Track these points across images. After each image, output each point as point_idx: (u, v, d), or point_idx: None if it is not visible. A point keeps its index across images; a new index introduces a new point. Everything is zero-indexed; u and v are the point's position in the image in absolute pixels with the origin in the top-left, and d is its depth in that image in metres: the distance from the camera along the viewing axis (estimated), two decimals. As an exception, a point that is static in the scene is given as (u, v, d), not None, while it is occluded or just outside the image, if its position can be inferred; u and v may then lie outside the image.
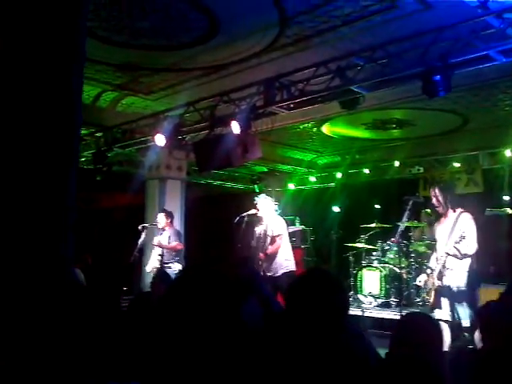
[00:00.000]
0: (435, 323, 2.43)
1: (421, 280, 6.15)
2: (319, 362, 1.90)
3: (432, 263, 5.96)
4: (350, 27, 5.47)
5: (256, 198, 7.51)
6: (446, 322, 5.46)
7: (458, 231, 5.50)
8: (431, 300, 5.85)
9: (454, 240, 5.48)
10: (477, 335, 2.61)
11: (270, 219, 7.33)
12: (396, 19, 5.19)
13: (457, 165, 10.11)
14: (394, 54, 5.26)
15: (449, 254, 5.55)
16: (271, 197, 7.84)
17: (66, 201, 1.66)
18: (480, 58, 4.84)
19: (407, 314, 2.58)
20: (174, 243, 8.21)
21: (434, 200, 5.84)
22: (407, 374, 1.95)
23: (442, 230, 5.81)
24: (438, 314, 5.60)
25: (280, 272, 7.01)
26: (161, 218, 8.38)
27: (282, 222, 7.39)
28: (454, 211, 5.74)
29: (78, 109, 1.79)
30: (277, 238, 7.16)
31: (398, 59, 5.24)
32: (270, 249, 7.16)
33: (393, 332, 2.37)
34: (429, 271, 5.97)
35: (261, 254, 7.20)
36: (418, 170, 10.57)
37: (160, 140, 7.54)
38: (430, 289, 5.83)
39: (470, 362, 2.05)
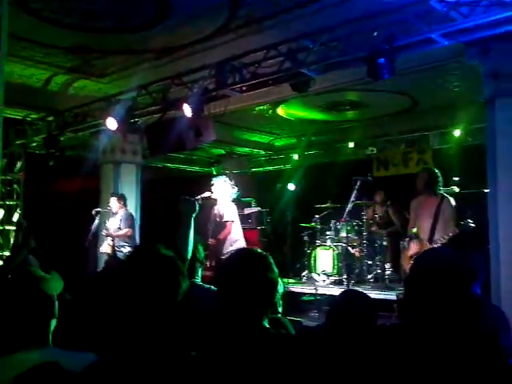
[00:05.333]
0: (370, 299, 2.55)
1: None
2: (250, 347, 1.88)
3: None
4: (301, 9, 5.52)
5: (213, 180, 7.42)
6: None
7: (444, 218, 6.34)
8: None
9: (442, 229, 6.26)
10: None
11: (223, 203, 7.32)
12: (345, 2, 5.26)
13: (408, 145, 10.38)
14: (342, 36, 5.36)
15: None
16: (231, 179, 7.66)
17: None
18: (423, 41, 4.98)
19: (343, 291, 2.70)
20: (124, 231, 8.17)
21: (420, 183, 6.64)
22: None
23: (424, 210, 6.57)
24: None
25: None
26: (113, 203, 8.34)
27: (233, 207, 7.34)
28: (435, 196, 6.52)
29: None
30: (227, 224, 7.15)
31: (345, 42, 5.33)
32: (221, 234, 7.18)
33: (329, 308, 2.47)
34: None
35: (211, 240, 7.21)
36: (372, 150, 10.81)
37: (111, 124, 7.47)
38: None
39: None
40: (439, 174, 6.77)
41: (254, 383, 1.76)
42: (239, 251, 2.23)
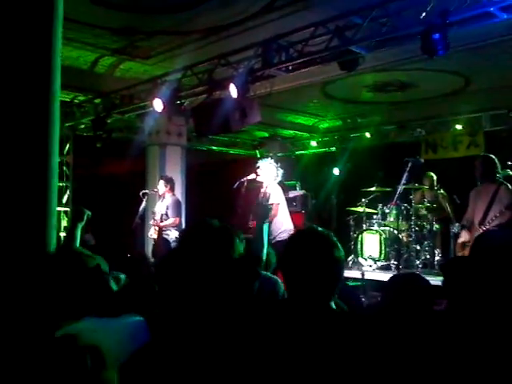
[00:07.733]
0: (425, 282, 2.43)
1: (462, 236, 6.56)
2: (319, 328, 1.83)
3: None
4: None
5: (259, 162, 7.33)
6: None
7: (499, 204, 6.05)
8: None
9: (495, 214, 6.03)
10: None
11: (268, 186, 7.18)
12: (396, -24, 5.07)
13: (459, 127, 10.03)
14: (393, 12, 5.14)
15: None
16: (276, 162, 7.47)
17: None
18: (481, 16, 4.72)
19: (395, 274, 2.59)
20: (171, 220, 8.12)
21: (477, 172, 6.37)
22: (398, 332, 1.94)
23: (482, 198, 6.29)
24: None
25: (273, 241, 6.94)
26: (160, 185, 8.37)
27: (279, 190, 7.17)
28: (494, 183, 6.21)
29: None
30: (273, 206, 6.88)
31: (397, 18, 5.12)
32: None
33: (382, 293, 2.37)
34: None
35: (254, 222, 7.10)
36: (420, 132, 10.48)
37: (158, 105, 7.48)
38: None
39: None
40: (496, 160, 6.42)
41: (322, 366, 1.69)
42: (302, 231, 2.14)
